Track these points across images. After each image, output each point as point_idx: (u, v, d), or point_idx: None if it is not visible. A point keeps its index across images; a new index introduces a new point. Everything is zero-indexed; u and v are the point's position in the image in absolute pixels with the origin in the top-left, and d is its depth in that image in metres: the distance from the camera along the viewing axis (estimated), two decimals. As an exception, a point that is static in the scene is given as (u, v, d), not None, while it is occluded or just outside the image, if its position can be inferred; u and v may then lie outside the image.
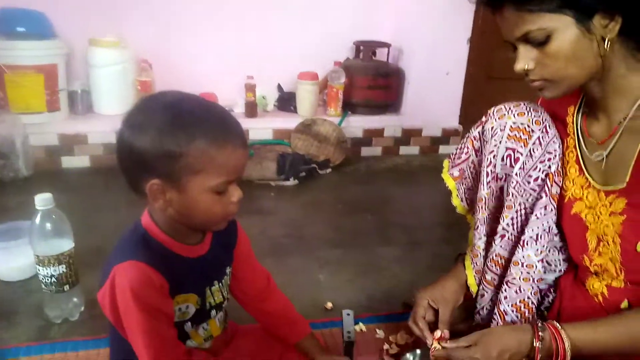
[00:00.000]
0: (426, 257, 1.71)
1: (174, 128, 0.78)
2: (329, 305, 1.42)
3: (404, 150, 2.85)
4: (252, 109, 2.64)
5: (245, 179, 2.31)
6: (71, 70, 2.50)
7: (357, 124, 2.76)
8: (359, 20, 2.84)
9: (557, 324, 0.91)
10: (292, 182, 2.33)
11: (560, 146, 1.02)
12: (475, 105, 2.72)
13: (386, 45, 2.77)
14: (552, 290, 1.11)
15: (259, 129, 2.64)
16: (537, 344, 0.90)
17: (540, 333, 0.91)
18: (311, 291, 1.50)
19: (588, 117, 1.01)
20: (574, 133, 1.03)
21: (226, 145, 0.81)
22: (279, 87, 2.84)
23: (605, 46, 0.85)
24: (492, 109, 1.09)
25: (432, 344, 1.04)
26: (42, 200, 1.23)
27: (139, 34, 2.55)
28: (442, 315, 1.11)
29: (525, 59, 0.89)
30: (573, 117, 1.03)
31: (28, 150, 2.32)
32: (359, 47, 2.77)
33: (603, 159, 0.96)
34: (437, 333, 1.07)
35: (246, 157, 0.86)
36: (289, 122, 2.65)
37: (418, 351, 1.13)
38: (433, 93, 2.76)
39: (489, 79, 2.76)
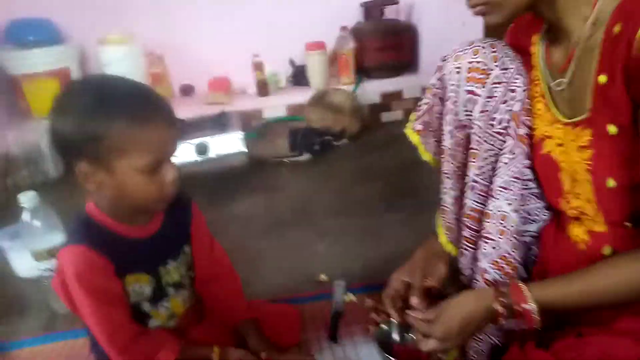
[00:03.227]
0: (433, 218, 1.62)
1: (94, 110, 0.78)
2: (322, 277, 1.39)
3: (426, 110, 2.72)
4: (263, 88, 2.62)
5: (260, 157, 2.30)
6: (85, 71, 2.58)
7: (374, 89, 2.66)
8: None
9: (522, 285, 0.81)
10: (305, 156, 2.29)
11: (524, 81, 0.91)
12: (497, 53, 2.54)
13: (394, 2, 2.63)
14: (536, 243, 1.01)
15: (272, 106, 2.62)
16: (498, 307, 0.81)
17: (502, 299, 0.81)
18: (308, 264, 1.47)
19: (550, 44, 0.89)
20: (538, 64, 0.92)
21: (148, 123, 0.80)
22: (291, 62, 2.79)
23: None
24: (451, 51, 1.00)
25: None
26: (27, 198, 1.28)
27: (147, 27, 2.58)
28: (413, 286, 1.05)
29: None
30: (537, 46, 0.92)
31: (55, 153, 2.43)
32: (367, 8, 2.66)
33: (565, 87, 0.85)
34: (412, 300, 1.01)
35: (174, 135, 0.85)
36: (303, 96, 2.60)
37: (394, 321, 1.07)
38: (450, 47, 2.58)
39: (510, 23, 2.56)
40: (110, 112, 0.78)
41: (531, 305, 0.79)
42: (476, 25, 2.66)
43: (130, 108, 0.79)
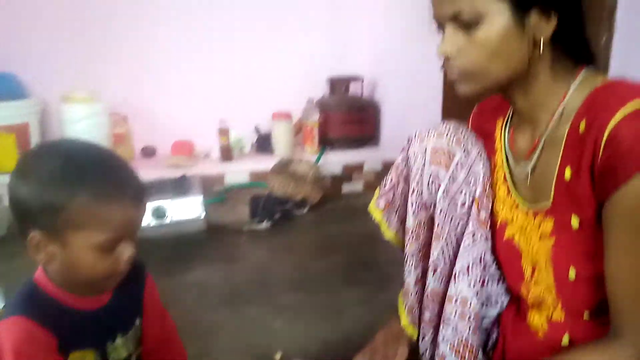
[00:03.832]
0: (392, 296, 1.57)
1: (57, 179, 0.74)
2: (278, 356, 1.32)
3: (387, 183, 2.77)
4: (227, 153, 2.62)
5: (219, 224, 2.25)
6: (46, 127, 2.53)
7: (336, 160, 2.70)
8: (333, 55, 2.83)
9: None
10: (265, 225, 2.26)
11: (486, 166, 0.94)
12: (455, 132, 2.65)
13: (359, 79, 2.74)
14: (496, 327, 1.00)
15: (235, 172, 2.61)
16: None
17: None
18: (263, 340, 1.40)
19: (515, 130, 0.92)
20: (501, 149, 0.95)
21: (112, 201, 0.76)
22: (256, 129, 2.82)
23: (540, 48, 0.78)
24: (414, 132, 1.02)
25: None
26: (-36, 261, 1.19)
27: (111, 86, 2.58)
28: None
29: (450, 43, 0.80)
30: (501, 131, 0.96)
31: (2, 210, 2.31)
32: (333, 83, 2.75)
33: (527, 174, 0.87)
34: None
35: (138, 215, 0.80)
36: (266, 163, 2.60)
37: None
38: (411, 124, 2.68)
39: (466, 103, 2.67)
40: (73, 183, 0.74)
41: None
42: (435, 105, 2.79)
43: (95, 182, 0.75)
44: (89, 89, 2.48)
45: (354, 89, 2.78)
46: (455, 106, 2.74)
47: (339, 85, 2.72)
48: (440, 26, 0.82)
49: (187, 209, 2.22)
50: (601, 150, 0.71)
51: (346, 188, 2.73)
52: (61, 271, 0.79)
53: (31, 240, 0.76)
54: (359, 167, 2.72)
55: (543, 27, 0.77)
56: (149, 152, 2.73)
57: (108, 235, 0.76)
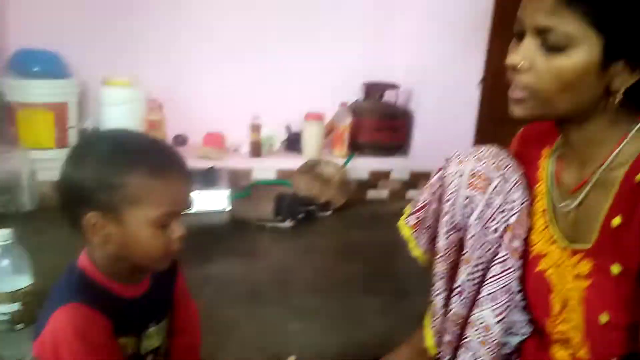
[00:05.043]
0: (410, 307, 1.58)
1: (114, 158, 0.79)
2: (292, 359, 1.33)
3: (411, 194, 2.75)
4: (256, 149, 2.63)
5: (242, 219, 2.27)
6: (84, 108, 2.57)
7: (364, 166, 2.70)
8: (370, 61, 2.81)
9: None
10: (288, 223, 2.27)
11: (524, 195, 0.93)
12: (486, 149, 2.62)
13: (395, 87, 2.73)
14: (516, 356, 0.99)
15: (263, 169, 2.63)
16: None
17: None
18: (278, 342, 1.41)
19: (562, 161, 0.90)
20: (545, 179, 0.93)
21: (166, 175, 0.80)
22: (287, 128, 2.83)
23: (616, 99, 0.75)
24: (453, 153, 1.02)
25: None
26: (1, 235, 1.22)
27: (151, 74, 2.60)
28: None
29: (524, 55, 0.76)
30: (547, 160, 0.94)
31: (34, 185, 2.37)
32: (368, 88, 2.74)
33: (570, 211, 0.86)
34: None
35: (188, 190, 0.84)
36: (293, 162, 2.62)
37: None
38: (443, 136, 2.65)
39: (502, 122, 2.63)
40: (129, 161, 0.79)
41: None
42: (469, 121, 2.77)
43: (150, 159, 0.80)
44: (129, 74, 2.52)
45: (388, 97, 2.77)
46: (490, 124, 2.72)
47: (374, 91, 2.72)
48: (519, 34, 0.78)
49: (213, 201, 2.25)
50: None
51: (371, 194, 2.72)
52: (113, 254, 0.82)
53: (88, 221, 0.78)
54: (385, 175, 2.72)
55: (625, 77, 0.74)
56: (180, 141, 2.76)
57: (163, 209, 0.79)
